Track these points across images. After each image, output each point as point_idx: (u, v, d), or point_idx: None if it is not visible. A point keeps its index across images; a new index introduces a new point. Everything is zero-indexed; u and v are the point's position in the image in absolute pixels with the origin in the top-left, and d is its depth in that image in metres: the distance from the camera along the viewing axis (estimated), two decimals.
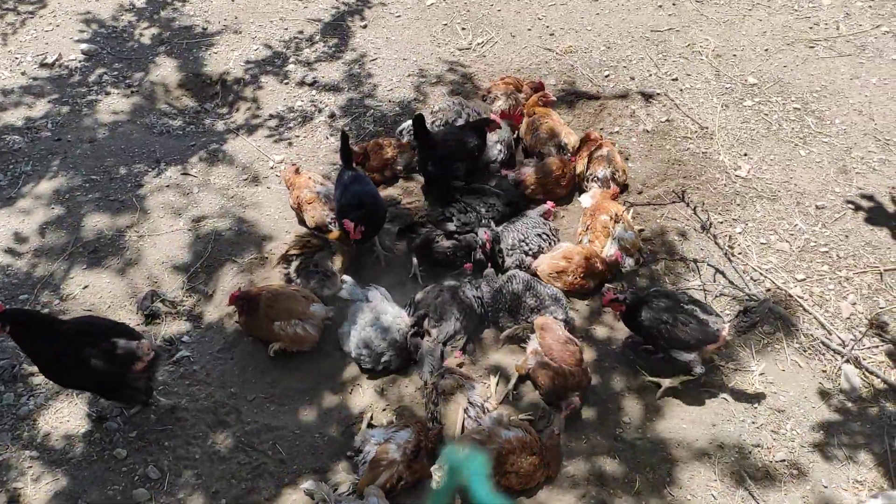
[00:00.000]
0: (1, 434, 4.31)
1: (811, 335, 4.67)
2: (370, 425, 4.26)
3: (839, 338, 4.64)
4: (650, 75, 6.41)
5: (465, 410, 4.21)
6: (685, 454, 4.19)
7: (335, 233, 5.09)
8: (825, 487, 4.05)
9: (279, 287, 4.78)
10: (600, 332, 4.80)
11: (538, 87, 6.05)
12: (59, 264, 5.16)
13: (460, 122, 5.81)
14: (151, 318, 4.87)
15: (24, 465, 4.19)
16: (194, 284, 5.08)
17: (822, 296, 4.89)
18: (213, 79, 6.59)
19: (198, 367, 4.64)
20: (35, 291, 4.99)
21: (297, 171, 5.45)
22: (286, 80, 6.56)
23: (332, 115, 6.23)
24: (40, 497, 4.06)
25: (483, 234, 4.96)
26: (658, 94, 6.21)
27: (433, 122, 5.82)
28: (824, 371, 4.52)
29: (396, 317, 4.63)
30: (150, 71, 6.68)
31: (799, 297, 4.85)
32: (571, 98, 6.29)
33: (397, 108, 6.25)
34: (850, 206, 5.36)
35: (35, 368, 4.56)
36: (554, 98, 5.98)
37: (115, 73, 6.66)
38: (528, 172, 5.56)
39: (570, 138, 5.72)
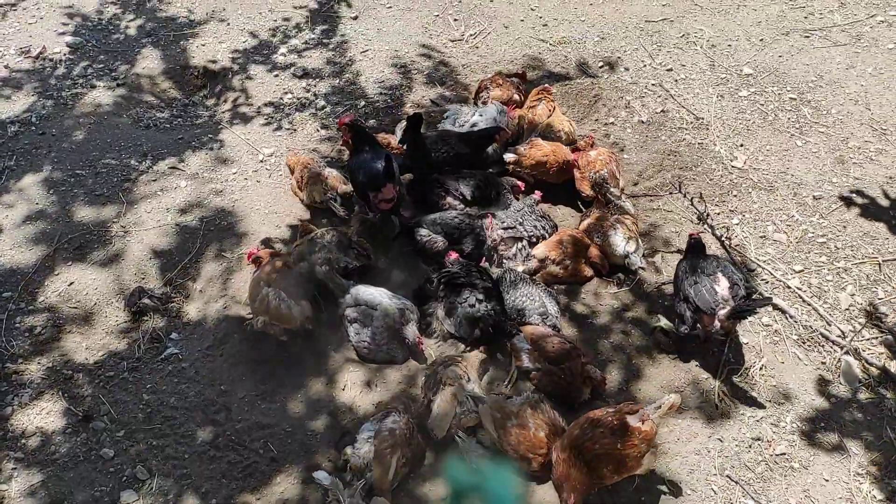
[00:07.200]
0: None
1: (810, 327, 4.61)
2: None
3: (838, 329, 4.58)
4: (645, 66, 6.34)
5: (458, 405, 4.12)
6: (684, 449, 4.12)
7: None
8: (826, 481, 4.00)
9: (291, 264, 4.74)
10: (598, 325, 4.74)
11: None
12: (44, 260, 5.04)
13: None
14: (139, 314, 4.77)
15: (8, 466, 4.08)
16: (183, 280, 4.97)
17: (820, 287, 4.83)
18: (200, 70, 6.47)
19: (186, 364, 4.54)
20: (19, 288, 4.87)
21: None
22: (275, 72, 6.44)
23: (322, 107, 6.13)
24: (24, 499, 3.95)
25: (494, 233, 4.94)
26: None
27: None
28: (824, 363, 4.47)
29: (390, 303, 4.57)
30: (136, 63, 6.55)
31: (797, 288, 4.79)
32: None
33: (388, 100, 6.16)
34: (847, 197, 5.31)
35: (22, 367, 4.46)
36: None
37: (101, 65, 6.53)
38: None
39: (565, 126, 5.66)
